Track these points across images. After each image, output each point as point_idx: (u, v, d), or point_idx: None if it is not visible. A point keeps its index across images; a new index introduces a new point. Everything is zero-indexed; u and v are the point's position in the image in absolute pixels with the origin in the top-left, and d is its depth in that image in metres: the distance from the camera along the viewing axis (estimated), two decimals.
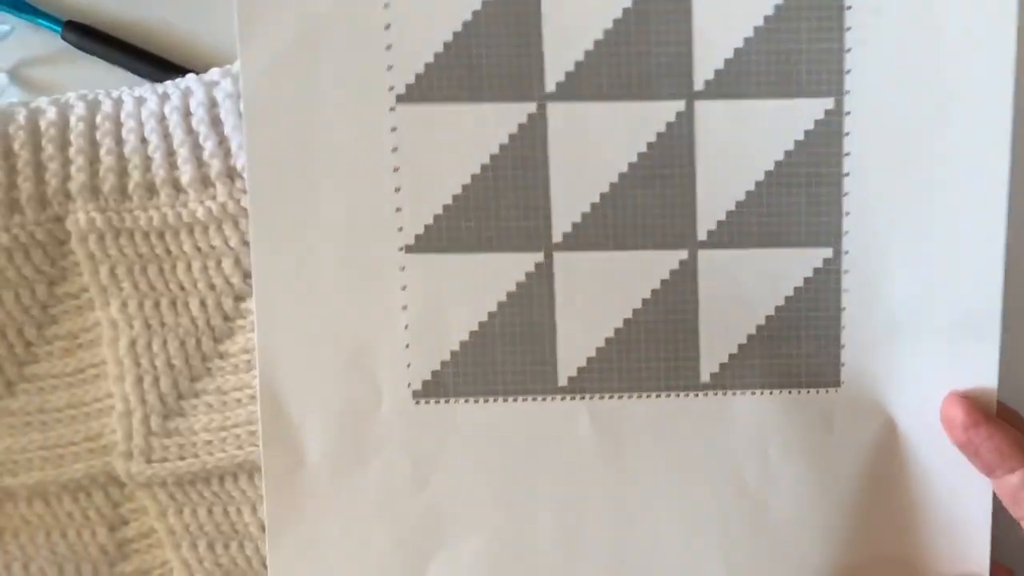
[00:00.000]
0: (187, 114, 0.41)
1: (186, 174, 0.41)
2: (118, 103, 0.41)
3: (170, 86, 0.42)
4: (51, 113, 0.41)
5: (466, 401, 0.40)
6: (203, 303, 0.42)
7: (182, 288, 0.42)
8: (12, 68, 0.44)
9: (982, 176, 0.38)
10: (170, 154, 0.41)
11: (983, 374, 0.39)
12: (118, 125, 0.41)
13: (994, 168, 0.37)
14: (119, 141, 0.41)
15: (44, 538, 0.43)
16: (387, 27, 0.37)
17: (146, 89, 0.42)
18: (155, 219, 0.41)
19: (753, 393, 0.40)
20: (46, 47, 0.44)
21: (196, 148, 0.41)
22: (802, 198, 0.38)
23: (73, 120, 0.41)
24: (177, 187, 0.41)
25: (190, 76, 0.42)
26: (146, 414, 0.42)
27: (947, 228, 0.38)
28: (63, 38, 0.43)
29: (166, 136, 0.41)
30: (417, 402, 0.40)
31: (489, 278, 0.39)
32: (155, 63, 0.43)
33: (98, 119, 0.41)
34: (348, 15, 0.37)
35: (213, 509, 0.43)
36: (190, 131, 0.41)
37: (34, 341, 0.43)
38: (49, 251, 0.42)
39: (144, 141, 0.41)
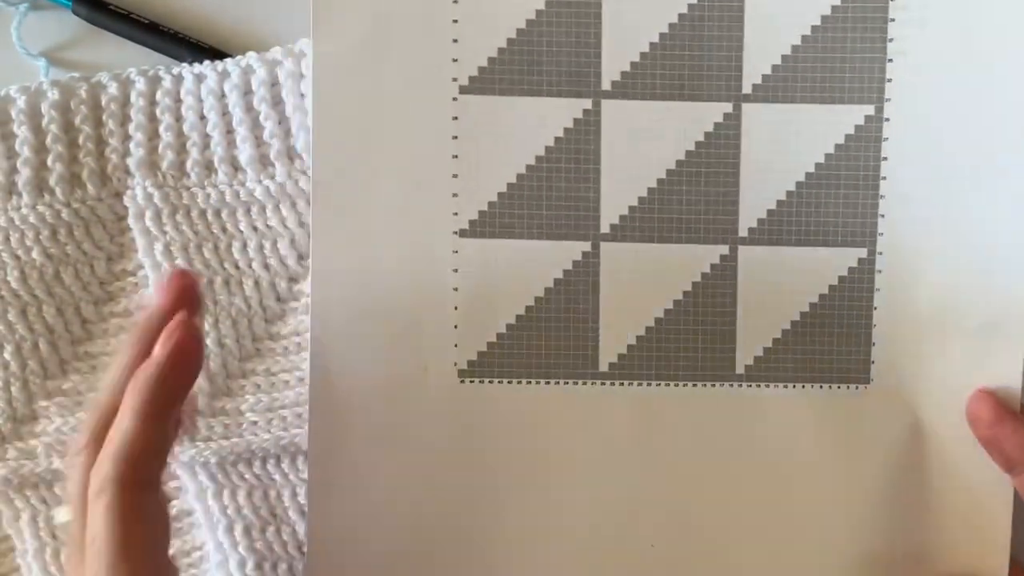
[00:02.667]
0: (247, 92, 0.41)
1: (244, 153, 0.41)
2: (178, 80, 0.41)
3: (230, 63, 0.41)
4: (112, 88, 0.41)
5: (509, 382, 0.41)
6: (257, 283, 0.42)
7: (236, 267, 0.42)
8: (45, 51, 0.43)
9: (1014, 184, 0.39)
10: (229, 132, 0.41)
11: (1008, 375, 0.40)
12: (177, 102, 0.41)
13: None
14: (178, 118, 0.41)
15: None
16: (455, 22, 0.39)
17: (206, 66, 0.41)
18: (212, 197, 0.41)
19: (786, 386, 0.41)
20: (60, 23, 0.43)
21: (256, 127, 0.41)
22: (840, 199, 0.40)
23: (133, 96, 0.41)
24: (235, 165, 0.41)
25: (251, 54, 0.41)
26: (193, 393, 0.41)
27: (978, 233, 0.40)
28: (74, 12, 0.43)
29: (225, 114, 0.41)
30: (462, 381, 0.41)
31: (537, 265, 0.41)
32: (166, 36, 0.43)
33: (158, 95, 0.41)
34: (419, 10, 0.39)
35: (253, 492, 0.43)
36: (250, 109, 0.41)
37: (91, 319, 0.42)
38: (109, 227, 0.42)
39: (203, 118, 0.41)
